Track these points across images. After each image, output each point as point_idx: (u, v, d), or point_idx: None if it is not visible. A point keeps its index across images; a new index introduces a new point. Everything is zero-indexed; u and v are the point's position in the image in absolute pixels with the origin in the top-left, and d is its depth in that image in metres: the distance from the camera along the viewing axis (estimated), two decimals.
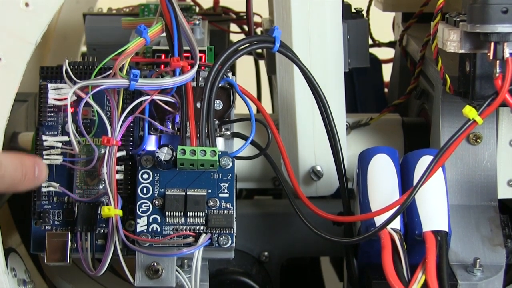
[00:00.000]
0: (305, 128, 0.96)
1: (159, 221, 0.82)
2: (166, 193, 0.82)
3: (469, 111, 0.80)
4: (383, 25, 1.31)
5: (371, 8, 1.22)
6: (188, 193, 0.82)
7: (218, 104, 0.87)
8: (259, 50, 1.26)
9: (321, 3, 0.92)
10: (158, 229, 0.82)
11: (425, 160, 0.87)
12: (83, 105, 0.81)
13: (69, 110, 0.82)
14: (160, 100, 0.84)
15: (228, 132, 0.88)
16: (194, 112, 0.83)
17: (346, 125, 1.01)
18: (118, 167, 0.84)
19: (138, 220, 0.82)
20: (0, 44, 0.81)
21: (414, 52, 1.08)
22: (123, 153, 0.85)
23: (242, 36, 1.28)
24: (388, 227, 0.82)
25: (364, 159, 0.89)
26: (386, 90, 1.34)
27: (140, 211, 0.82)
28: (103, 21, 1.17)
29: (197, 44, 0.84)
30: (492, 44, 0.79)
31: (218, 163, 0.82)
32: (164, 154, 0.81)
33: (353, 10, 1.00)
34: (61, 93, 0.85)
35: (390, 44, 1.29)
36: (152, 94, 0.83)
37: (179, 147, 0.81)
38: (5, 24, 0.81)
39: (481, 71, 0.83)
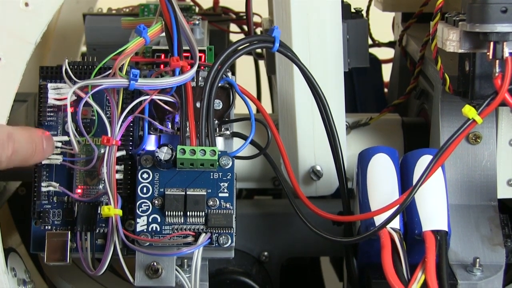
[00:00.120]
0: (305, 128, 0.96)
1: (159, 220, 0.82)
2: (166, 192, 0.82)
3: (469, 111, 0.80)
4: (383, 25, 1.31)
5: (371, 8, 1.22)
6: (187, 192, 0.82)
7: (218, 104, 0.87)
8: (259, 50, 1.26)
9: (321, 3, 0.92)
10: (158, 229, 0.82)
11: (424, 160, 0.87)
12: (83, 105, 0.81)
13: (69, 110, 0.82)
14: (160, 100, 0.84)
15: (228, 132, 0.88)
16: (193, 112, 0.83)
17: (346, 125, 1.01)
18: (118, 167, 0.84)
19: (138, 220, 0.82)
20: (0, 44, 0.81)
21: (413, 52, 1.09)
22: (123, 152, 0.85)
23: (242, 36, 1.28)
24: (388, 226, 0.82)
25: (364, 159, 0.89)
26: (386, 90, 1.34)
27: (140, 210, 0.82)
28: (103, 21, 1.17)
29: (196, 44, 0.84)
30: (492, 43, 0.79)
31: (217, 163, 0.82)
32: (164, 153, 0.81)
33: (352, 10, 1.00)
34: (61, 93, 0.85)
35: (390, 44, 1.29)
36: (151, 93, 0.83)
37: (179, 147, 0.81)
38: (5, 24, 0.81)
39: (481, 71, 0.83)
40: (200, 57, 0.87)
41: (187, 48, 0.85)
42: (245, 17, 1.19)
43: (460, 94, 0.87)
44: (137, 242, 0.81)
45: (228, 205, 0.82)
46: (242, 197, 1.34)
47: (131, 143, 0.86)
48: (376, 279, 0.86)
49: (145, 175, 0.83)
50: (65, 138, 0.85)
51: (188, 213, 0.82)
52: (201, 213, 0.82)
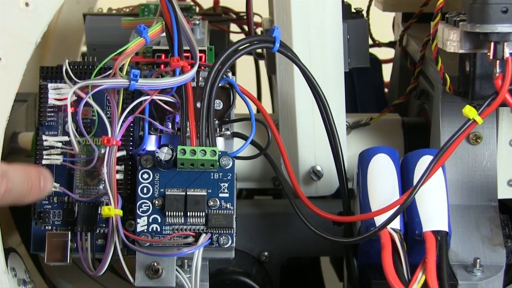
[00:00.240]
0: (305, 128, 0.96)
1: (159, 221, 0.82)
2: (166, 193, 0.82)
3: (469, 111, 0.80)
4: (383, 25, 1.31)
5: (371, 8, 1.22)
6: (188, 193, 0.82)
7: (218, 104, 0.87)
8: (259, 50, 1.26)
9: (321, 3, 0.92)
10: (158, 229, 0.82)
11: (425, 160, 0.87)
12: (83, 105, 0.81)
13: (69, 110, 0.82)
14: (160, 100, 0.84)
15: (228, 132, 0.88)
16: (194, 112, 0.83)
17: (346, 125, 1.01)
18: (118, 167, 0.84)
19: (138, 220, 0.82)
20: (0, 44, 0.81)
21: (414, 52, 1.08)
22: (123, 153, 0.85)
23: (242, 36, 1.28)
24: (388, 227, 0.82)
25: (364, 159, 0.89)
26: (386, 90, 1.34)
27: (140, 211, 0.82)
28: (103, 21, 1.17)
29: (197, 44, 0.84)
30: (492, 44, 0.79)
31: (218, 163, 0.82)
32: (164, 154, 0.81)
33: (353, 10, 1.00)
34: (61, 93, 0.85)
35: (390, 44, 1.29)
36: (152, 94, 0.83)
37: (179, 147, 0.81)
38: (5, 24, 0.81)
39: (481, 71, 0.83)
40: (201, 57, 0.87)
41: (188, 48, 0.85)
42: (245, 17, 1.19)
43: (460, 94, 0.87)
44: (138, 242, 0.81)
45: (228, 206, 0.82)
46: (242, 197, 1.34)
47: (131, 143, 0.86)
48: (376, 279, 0.86)
49: (145, 175, 0.83)
50: (65, 138, 0.85)
51: (188, 213, 0.82)
52: (201, 213, 0.82)
